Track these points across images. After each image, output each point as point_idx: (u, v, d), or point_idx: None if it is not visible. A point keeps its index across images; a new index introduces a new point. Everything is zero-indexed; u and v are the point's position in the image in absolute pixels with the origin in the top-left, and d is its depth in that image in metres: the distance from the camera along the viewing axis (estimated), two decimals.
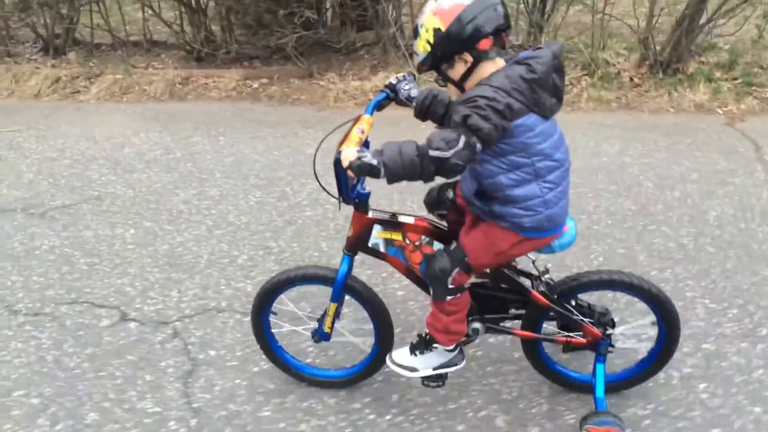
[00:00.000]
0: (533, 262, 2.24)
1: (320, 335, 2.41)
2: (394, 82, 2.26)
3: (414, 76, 2.29)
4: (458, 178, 2.08)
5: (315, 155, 2.10)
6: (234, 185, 4.18)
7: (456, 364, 2.28)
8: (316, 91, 5.71)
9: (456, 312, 2.13)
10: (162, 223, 3.77)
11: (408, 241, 2.18)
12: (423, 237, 2.17)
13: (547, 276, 2.25)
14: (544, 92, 1.85)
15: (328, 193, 2.10)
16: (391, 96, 2.26)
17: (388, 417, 2.41)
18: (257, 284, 2.96)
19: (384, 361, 2.38)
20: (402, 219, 2.19)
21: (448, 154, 1.75)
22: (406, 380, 2.50)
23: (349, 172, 1.83)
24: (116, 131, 5.14)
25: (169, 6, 6.67)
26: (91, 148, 4.85)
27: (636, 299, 2.28)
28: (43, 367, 2.71)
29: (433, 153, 1.75)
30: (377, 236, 2.19)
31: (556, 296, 2.22)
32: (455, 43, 1.84)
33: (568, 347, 2.33)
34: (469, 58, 1.86)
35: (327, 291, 2.32)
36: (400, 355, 2.30)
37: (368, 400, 2.49)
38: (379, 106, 2.25)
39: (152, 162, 4.57)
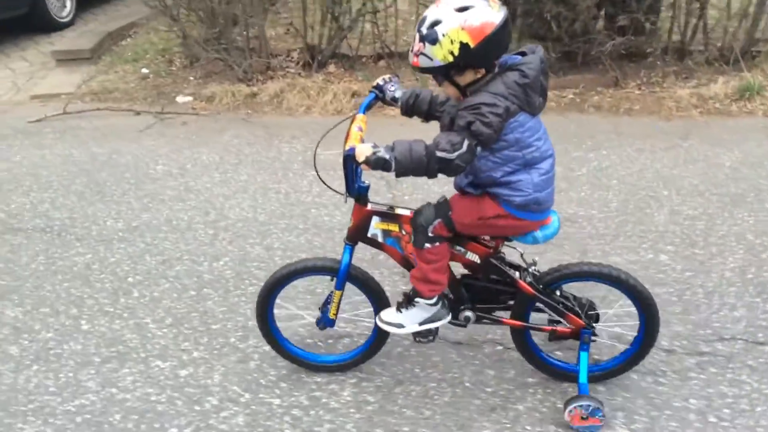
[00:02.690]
0: (521, 255, 2.42)
1: (325, 322, 2.58)
2: (381, 83, 2.44)
3: (398, 77, 2.49)
4: None
5: (315, 153, 2.33)
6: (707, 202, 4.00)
7: (440, 319, 2.42)
8: (646, 101, 5.57)
9: (435, 261, 2.28)
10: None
11: (404, 232, 2.36)
12: None
13: (534, 268, 2.41)
14: (534, 93, 2.05)
15: (329, 188, 2.36)
16: (380, 96, 2.43)
17: None
18: None
19: (383, 342, 2.63)
20: (399, 211, 2.37)
21: (452, 156, 2.00)
22: None
23: (364, 166, 2.03)
24: None
25: None
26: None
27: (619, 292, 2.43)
28: None
29: (439, 154, 2.00)
30: (375, 227, 2.38)
31: (541, 286, 2.38)
32: (477, 59, 2.01)
33: (554, 336, 2.50)
34: (482, 71, 2.05)
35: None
36: (388, 313, 2.46)
37: None
38: (368, 106, 2.40)
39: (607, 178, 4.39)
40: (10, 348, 3.02)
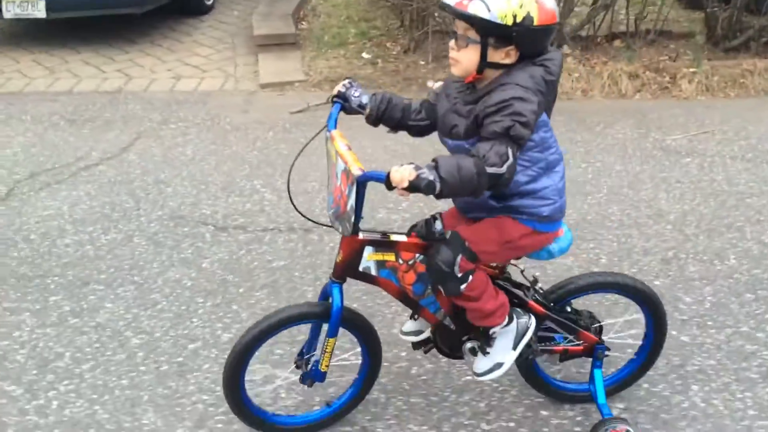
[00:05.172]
0: (522, 272, 2.23)
1: (314, 376, 2.25)
2: (342, 90, 2.16)
3: (355, 80, 2.21)
4: None
5: (288, 180, 2.16)
6: None
7: (527, 328, 2.17)
8: None
9: (480, 294, 2.05)
10: None
11: (401, 261, 2.08)
12: (417, 255, 2.08)
13: (538, 285, 2.24)
14: (553, 93, 1.94)
15: (315, 222, 2.19)
16: (346, 106, 2.16)
17: None
18: None
19: (373, 383, 2.36)
20: (394, 237, 2.07)
21: (502, 170, 1.79)
22: None
23: (401, 192, 1.75)
24: None
25: None
26: None
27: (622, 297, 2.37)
28: None
29: (489, 170, 1.77)
30: (369, 259, 2.06)
31: (552, 304, 2.22)
32: (528, 39, 1.84)
33: (565, 356, 2.31)
34: (514, 57, 1.87)
35: None
36: (478, 364, 2.19)
37: None
38: (336, 119, 2.15)
39: None
40: None
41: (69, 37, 7.00)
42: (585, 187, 4.05)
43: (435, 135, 2.15)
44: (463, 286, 2.00)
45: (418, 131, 2.20)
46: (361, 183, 1.87)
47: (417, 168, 1.74)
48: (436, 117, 2.11)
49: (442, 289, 2.05)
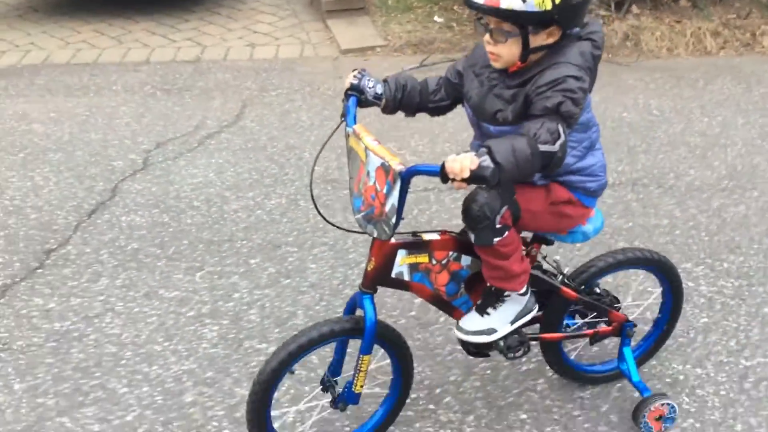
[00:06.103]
0: (544, 257, 2.20)
1: (348, 398, 2.05)
2: (355, 82, 1.98)
3: (365, 69, 2.03)
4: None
5: (311, 182, 2.04)
6: None
7: (530, 310, 2.07)
8: None
9: (512, 252, 1.92)
10: None
11: (434, 262, 1.97)
12: (450, 253, 1.98)
13: (565, 270, 2.21)
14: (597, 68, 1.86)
15: (333, 225, 2.00)
16: (362, 99, 1.99)
17: None
18: None
19: (404, 403, 2.19)
20: (427, 237, 1.96)
21: (555, 148, 1.68)
22: None
23: (460, 183, 1.61)
24: None
25: None
26: None
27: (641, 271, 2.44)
28: None
29: (542, 148, 1.66)
30: (401, 263, 1.93)
31: (582, 287, 2.17)
32: (570, 17, 1.74)
33: (596, 338, 2.28)
34: (557, 35, 1.78)
35: None
36: (470, 322, 2.03)
37: None
38: (355, 113, 1.99)
39: None
40: None
41: (120, 7, 6.81)
42: (719, 139, 4.13)
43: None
44: (496, 239, 1.86)
45: (438, 112, 2.09)
46: (405, 179, 1.70)
47: (479, 154, 1.59)
48: (457, 95, 2.02)
49: (472, 236, 1.88)
